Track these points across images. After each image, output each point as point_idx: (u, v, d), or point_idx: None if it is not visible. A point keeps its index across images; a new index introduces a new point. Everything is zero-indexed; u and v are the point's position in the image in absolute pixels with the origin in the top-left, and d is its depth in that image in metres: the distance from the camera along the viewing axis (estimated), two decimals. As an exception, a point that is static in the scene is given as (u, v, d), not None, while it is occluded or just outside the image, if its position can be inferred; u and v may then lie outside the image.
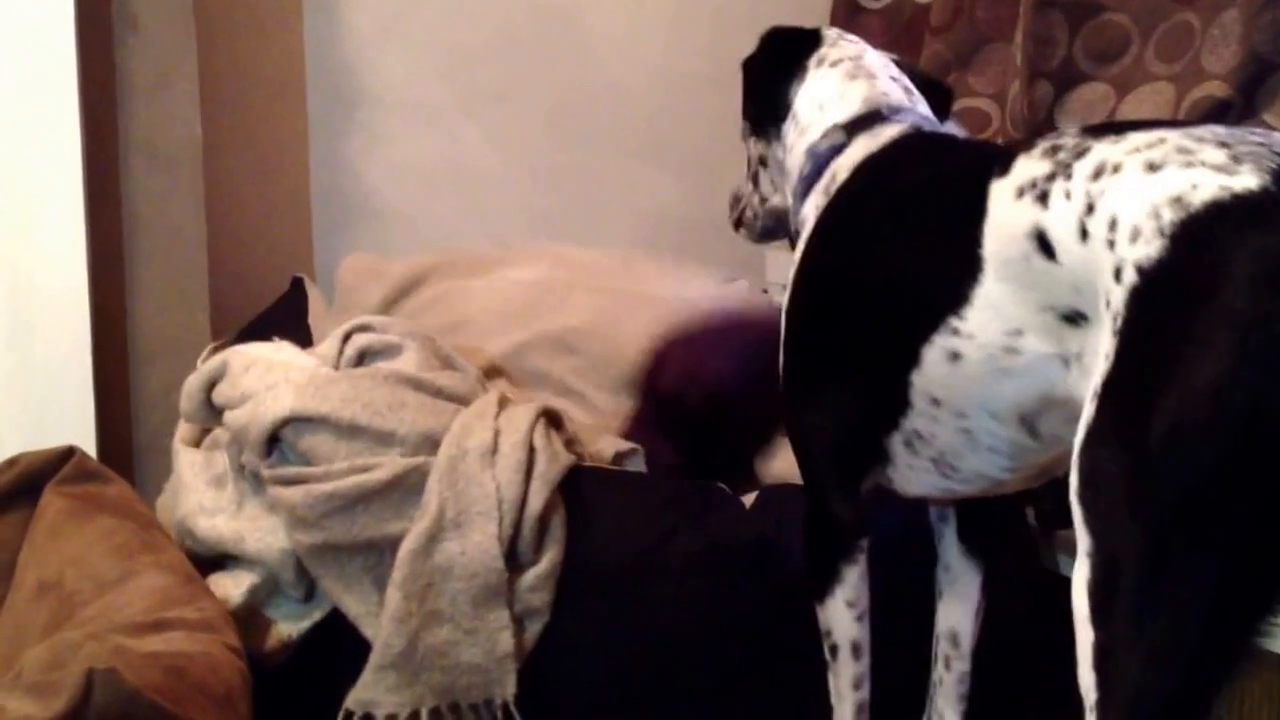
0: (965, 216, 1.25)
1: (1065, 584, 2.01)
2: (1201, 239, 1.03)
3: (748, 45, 1.74)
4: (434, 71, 2.90)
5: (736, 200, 1.84)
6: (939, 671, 1.63)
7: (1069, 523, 2.06)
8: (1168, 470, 1.00)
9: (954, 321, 1.27)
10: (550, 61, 2.98)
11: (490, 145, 2.95)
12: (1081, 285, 1.14)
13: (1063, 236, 1.16)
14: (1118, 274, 1.07)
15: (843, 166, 1.54)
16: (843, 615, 1.51)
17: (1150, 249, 1.05)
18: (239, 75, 2.66)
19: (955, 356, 1.28)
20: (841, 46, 1.66)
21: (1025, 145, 1.25)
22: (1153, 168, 1.09)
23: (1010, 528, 2.01)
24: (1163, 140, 1.11)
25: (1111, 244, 1.09)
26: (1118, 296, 1.07)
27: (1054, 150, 1.20)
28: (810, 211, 1.55)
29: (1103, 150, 1.15)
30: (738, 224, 1.85)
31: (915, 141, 1.52)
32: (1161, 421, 1.00)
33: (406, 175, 2.87)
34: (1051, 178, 1.18)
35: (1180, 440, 1.00)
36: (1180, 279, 1.03)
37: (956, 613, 1.62)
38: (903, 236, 1.37)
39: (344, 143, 2.81)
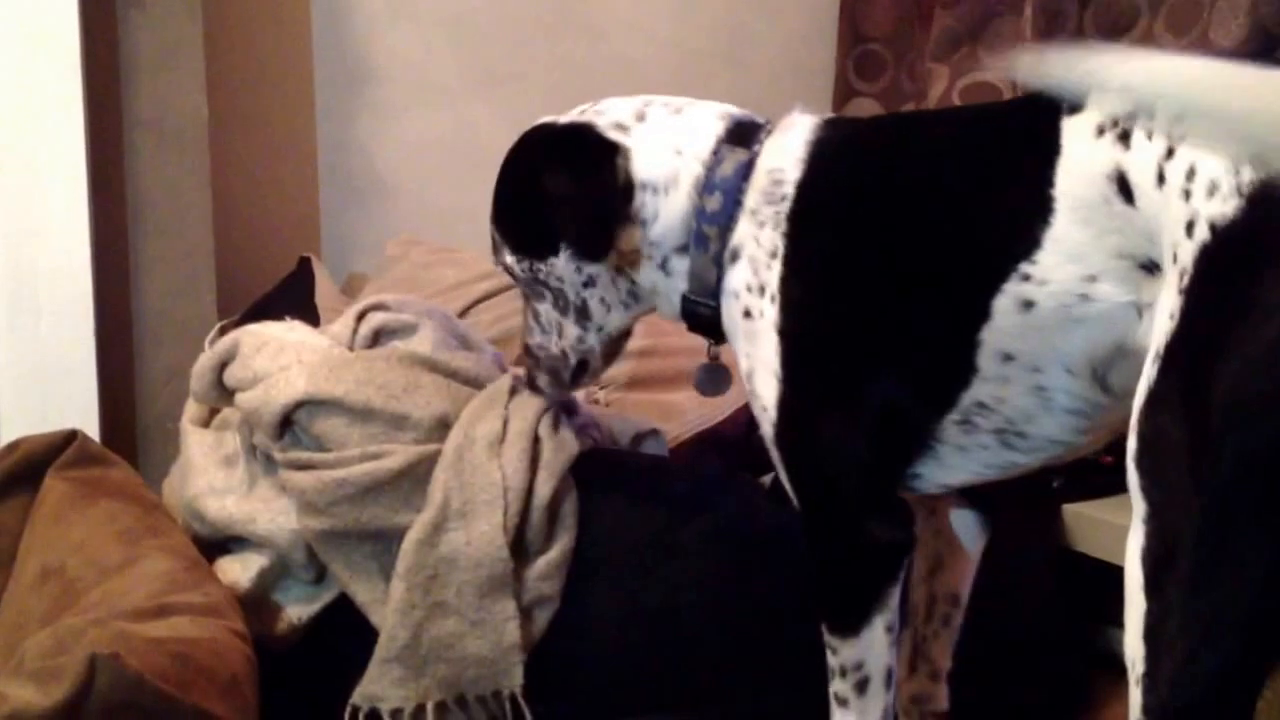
0: (1034, 156, 1.20)
1: (1074, 558, 2.03)
2: (1278, 204, 0.99)
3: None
4: (443, 49, 2.88)
5: (536, 358, 1.65)
6: (933, 627, 1.60)
7: (1077, 497, 2.06)
8: (1230, 440, 0.97)
9: (1025, 267, 1.21)
10: (559, 39, 2.96)
11: (500, 123, 2.91)
12: (1155, 233, 1.10)
13: (1141, 180, 1.11)
14: (1190, 228, 1.04)
15: (776, 170, 1.43)
16: (881, 643, 1.41)
17: (1227, 207, 1.01)
18: (245, 52, 2.65)
19: (1027, 305, 1.22)
20: (624, 105, 1.54)
21: None
22: None
23: (1033, 503, 2.02)
24: None
25: (1187, 194, 1.05)
26: (1187, 252, 1.03)
27: None
28: (749, 232, 1.43)
29: None
30: (534, 381, 1.68)
31: (862, 122, 1.45)
32: (1224, 389, 0.97)
33: (415, 154, 2.85)
34: (1135, 115, 1.12)
35: (1243, 410, 0.97)
36: (1254, 242, 0.99)
37: (958, 576, 1.59)
38: (957, 190, 1.29)
39: (352, 121, 2.80)
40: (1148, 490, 1.04)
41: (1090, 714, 1.99)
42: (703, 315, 1.51)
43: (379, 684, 1.61)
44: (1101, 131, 1.15)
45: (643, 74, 3.02)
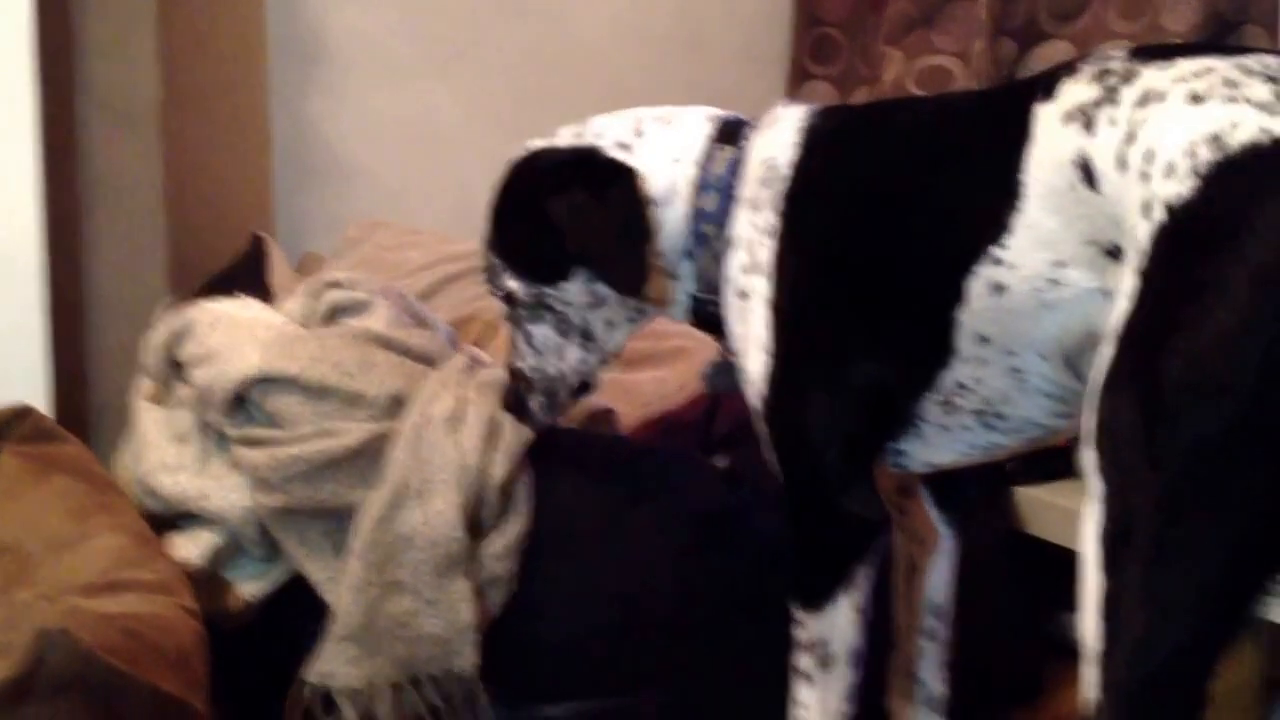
0: (1007, 143, 1.22)
1: (1026, 542, 2.04)
2: (1234, 184, 1.01)
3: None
4: (398, 28, 2.86)
5: (528, 380, 1.61)
6: (921, 644, 1.60)
7: (1029, 480, 2.07)
8: (1184, 420, 0.99)
9: (996, 251, 1.23)
10: (518, 20, 2.95)
11: (456, 103, 2.93)
12: (1118, 218, 1.11)
13: (1104, 165, 1.13)
14: (1146, 209, 1.05)
15: (768, 162, 1.45)
16: (847, 621, 1.42)
17: (1182, 188, 1.03)
18: (199, 30, 2.62)
19: (999, 288, 1.24)
20: (619, 124, 1.56)
21: (1069, 68, 1.22)
22: (1196, 99, 1.06)
23: (987, 485, 2.02)
24: (1210, 70, 1.08)
25: (1146, 177, 1.07)
26: (1143, 233, 1.05)
27: (1103, 75, 1.17)
28: (747, 220, 1.45)
29: (1150, 76, 1.12)
30: (523, 408, 1.64)
31: (852, 108, 1.48)
32: (1178, 369, 1.00)
33: (370, 133, 2.84)
34: (1099, 104, 1.14)
35: (1196, 390, 0.99)
36: (1208, 223, 1.01)
37: (938, 582, 1.59)
38: (937, 175, 1.31)
39: (306, 100, 2.78)
40: (1105, 470, 1.06)
41: (1045, 699, 2.01)
42: (710, 313, 1.52)
43: (332, 662, 1.61)
44: (1069, 119, 1.17)
45: (600, 56, 3.02)
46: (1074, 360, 1.25)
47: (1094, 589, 1.06)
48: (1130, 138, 1.10)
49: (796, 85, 3.08)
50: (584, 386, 1.64)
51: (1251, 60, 1.08)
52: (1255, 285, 0.97)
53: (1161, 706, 1.04)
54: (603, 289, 1.53)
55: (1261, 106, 1.02)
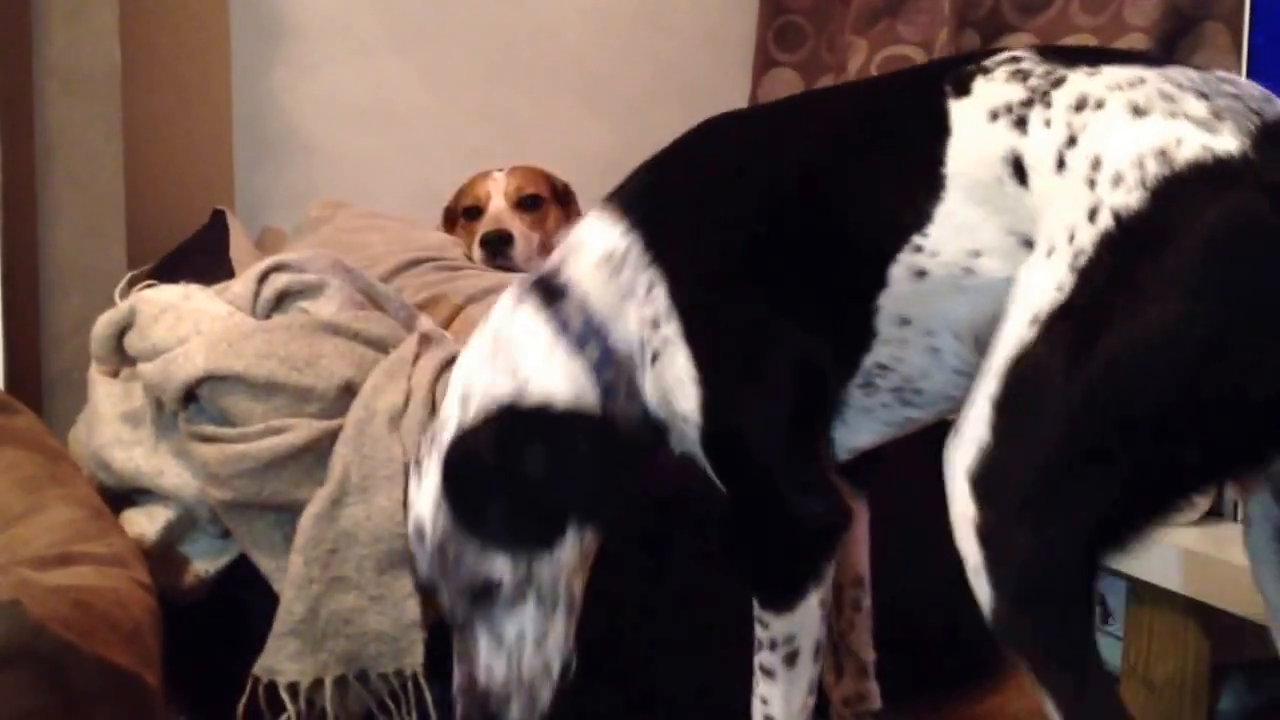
0: (925, 136, 1.25)
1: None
2: (1179, 198, 1.09)
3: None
4: (362, 5, 2.85)
5: (498, 696, 1.41)
6: (848, 616, 1.62)
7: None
8: (1106, 395, 1.10)
9: (917, 239, 1.27)
10: (481, -1, 2.94)
11: (420, 82, 2.91)
12: (1041, 213, 1.18)
13: (1038, 164, 1.18)
14: (1093, 215, 1.12)
15: (605, 256, 1.43)
16: (814, 616, 1.41)
17: (1131, 199, 1.10)
18: (160, 0, 2.60)
19: (921, 274, 1.28)
20: (480, 366, 1.46)
21: (971, 66, 1.26)
22: (1139, 111, 1.13)
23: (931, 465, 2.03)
24: (1143, 80, 1.15)
25: (1092, 183, 1.13)
26: (1087, 235, 1.12)
27: (1021, 75, 1.22)
28: (624, 316, 1.42)
29: (1081, 82, 1.18)
30: None
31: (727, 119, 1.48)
32: (1109, 357, 1.09)
33: (333, 110, 2.83)
34: (1029, 104, 1.19)
35: (1127, 374, 1.09)
36: (1152, 232, 1.09)
37: (857, 554, 1.61)
38: (851, 169, 1.33)
39: (268, 74, 2.76)
40: (997, 422, 1.15)
41: (1003, 677, 2.02)
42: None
43: (275, 657, 1.60)
44: (995, 116, 1.22)
45: (563, 38, 3.01)
46: (982, 338, 1.29)
47: (968, 516, 1.16)
48: (1071, 141, 1.16)
49: (762, 72, 3.08)
50: (565, 669, 1.45)
51: (1176, 73, 1.16)
52: (1183, 296, 1.07)
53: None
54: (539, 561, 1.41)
55: (1200, 124, 1.11)
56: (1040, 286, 1.15)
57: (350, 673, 1.61)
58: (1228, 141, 1.09)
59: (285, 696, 1.60)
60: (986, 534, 1.15)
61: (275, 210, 2.70)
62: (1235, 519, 1.85)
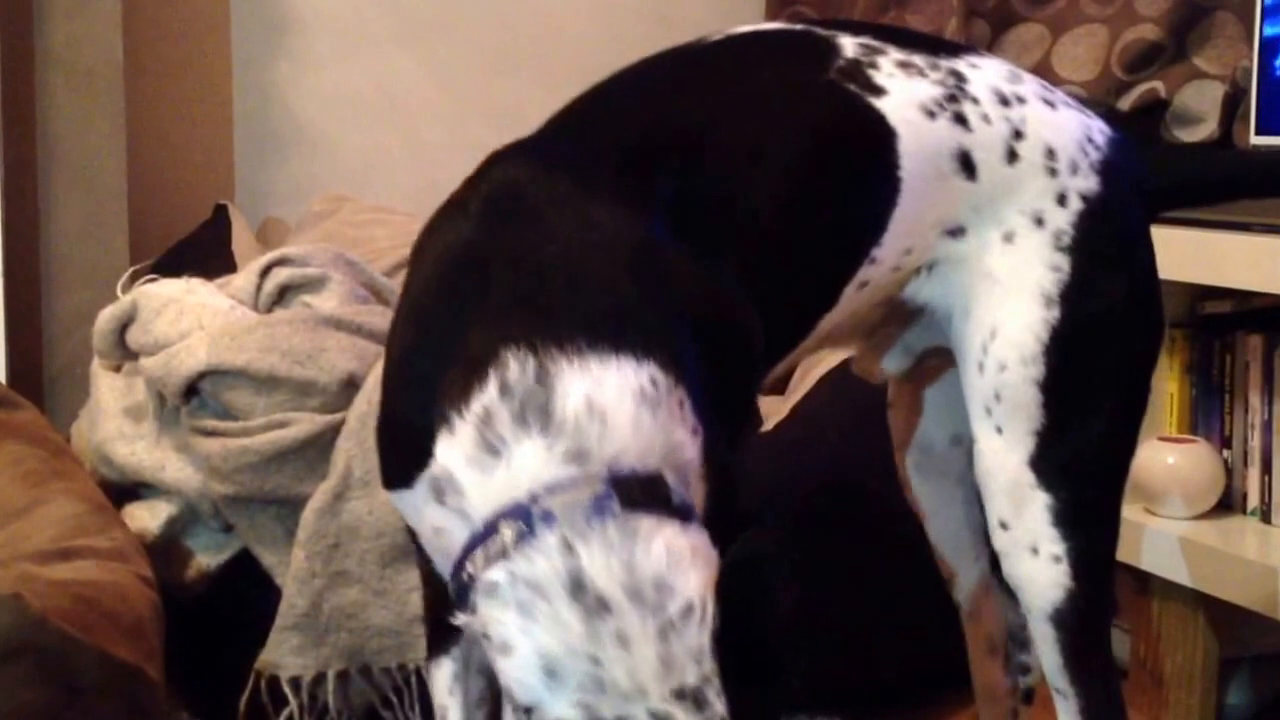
0: (871, 145, 1.17)
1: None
2: (1116, 175, 1.23)
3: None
4: (365, -2, 2.85)
5: None
6: None
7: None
8: (1089, 350, 1.21)
9: (875, 251, 1.20)
10: (486, -10, 2.94)
11: (424, 75, 2.91)
12: (987, 203, 1.21)
13: (987, 158, 1.20)
14: (1062, 199, 1.21)
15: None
16: None
17: (1089, 182, 1.22)
18: (163, -6, 2.60)
19: (863, 284, 1.21)
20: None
21: (849, 61, 1.18)
22: (1051, 105, 1.23)
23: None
24: (1012, 71, 1.25)
25: (1053, 171, 1.21)
26: (1062, 218, 1.21)
27: (909, 67, 1.18)
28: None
29: (978, 75, 1.22)
30: None
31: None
32: (1091, 319, 1.21)
33: (336, 104, 2.82)
34: (954, 99, 1.20)
35: (1108, 333, 1.22)
36: (1107, 208, 1.22)
37: None
38: (805, 197, 1.18)
39: (270, 68, 2.76)
40: (1045, 402, 1.21)
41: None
42: None
43: (277, 651, 1.61)
44: (932, 114, 1.18)
45: (568, 32, 3.00)
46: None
47: (1040, 502, 1.21)
48: (1017, 135, 1.21)
49: (767, 65, 3.07)
50: None
51: (994, 61, 1.26)
52: (1141, 249, 1.25)
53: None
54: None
55: (1081, 110, 1.25)
56: (1029, 268, 1.21)
57: (353, 667, 1.62)
58: (1102, 123, 1.25)
59: (287, 691, 1.60)
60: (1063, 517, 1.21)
61: (277, 205, 2.69)
62: (1244, 512, 1.85)
